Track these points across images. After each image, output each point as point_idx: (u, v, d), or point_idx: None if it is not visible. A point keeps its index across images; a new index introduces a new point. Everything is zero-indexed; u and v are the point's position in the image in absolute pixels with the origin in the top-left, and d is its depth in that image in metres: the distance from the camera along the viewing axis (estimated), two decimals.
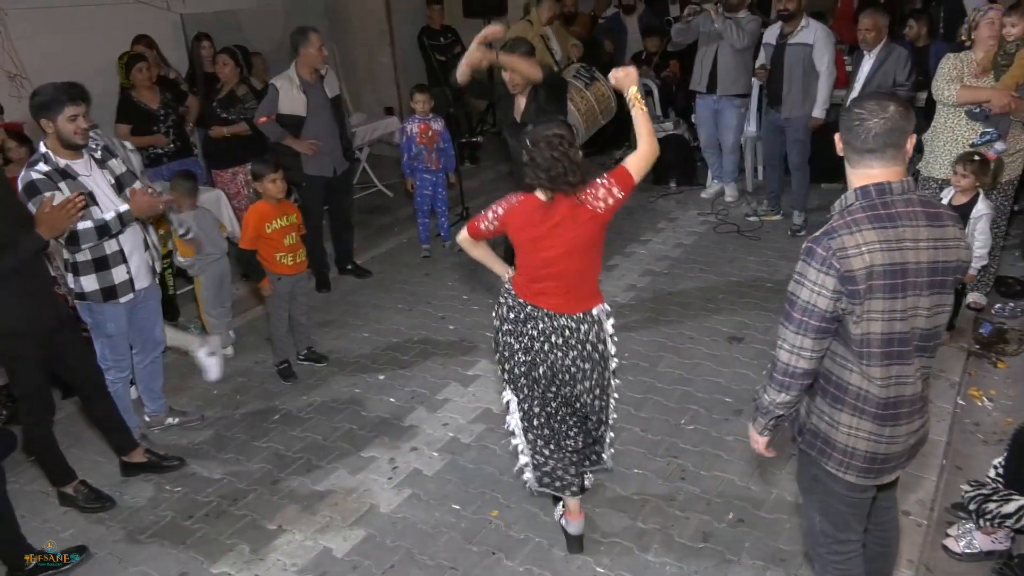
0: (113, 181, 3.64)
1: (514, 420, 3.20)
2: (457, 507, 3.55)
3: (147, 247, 3.85)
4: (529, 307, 2.95)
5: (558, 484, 3.18)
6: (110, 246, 3.63)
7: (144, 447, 3.98)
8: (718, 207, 6.95)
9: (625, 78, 2.95)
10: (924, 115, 6.25)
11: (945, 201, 4.34)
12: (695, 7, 6.41)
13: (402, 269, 6.18)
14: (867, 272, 1.99)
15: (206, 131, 6.02)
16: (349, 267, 6.08)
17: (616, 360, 3.14)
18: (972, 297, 4.84)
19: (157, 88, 5.87)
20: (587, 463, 3.34)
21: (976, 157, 4.24)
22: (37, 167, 3.40)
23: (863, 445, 2.18)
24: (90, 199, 3.44)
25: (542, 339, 2.95)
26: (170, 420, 4.29)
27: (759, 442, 2.39)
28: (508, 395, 3.17)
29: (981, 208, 4.23)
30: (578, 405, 3.11)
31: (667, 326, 4.99)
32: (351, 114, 7.67)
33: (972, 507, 3.01)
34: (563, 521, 3.26)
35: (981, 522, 2.99)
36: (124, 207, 3.52)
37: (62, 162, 3.46)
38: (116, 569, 3.35)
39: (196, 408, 4.45)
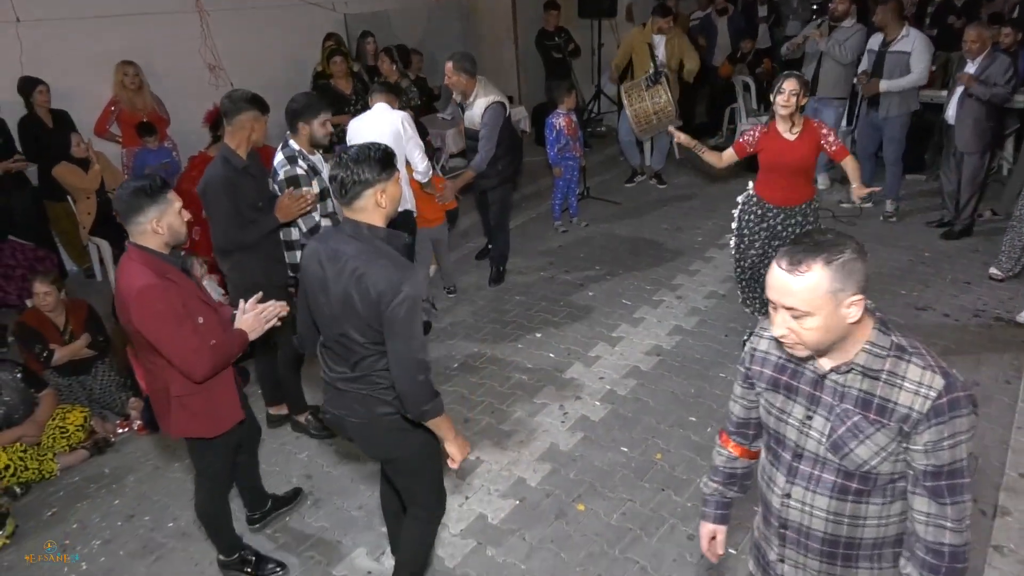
0: None
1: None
2: (625, 449, 3.69)
3: None
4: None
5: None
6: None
7: None
8: None
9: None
10: (1019, 117, 6.14)
11: None
12: (800, 38, 6.41)
13: (537, 241, 6.29)
14: None
15: None
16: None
17: None
18: None
19: (352, 78, 6.15)
20: None
21: None
22: (299, 164, 3.54)
23: None
24: (327, 193, 3.61)
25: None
26: None
27: None
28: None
29: None
30: None
31: None
32: None
33: None
34: None
35: None
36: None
37: (312, 158, 3.61)
38: (348, 487, 3.58)
39: None
